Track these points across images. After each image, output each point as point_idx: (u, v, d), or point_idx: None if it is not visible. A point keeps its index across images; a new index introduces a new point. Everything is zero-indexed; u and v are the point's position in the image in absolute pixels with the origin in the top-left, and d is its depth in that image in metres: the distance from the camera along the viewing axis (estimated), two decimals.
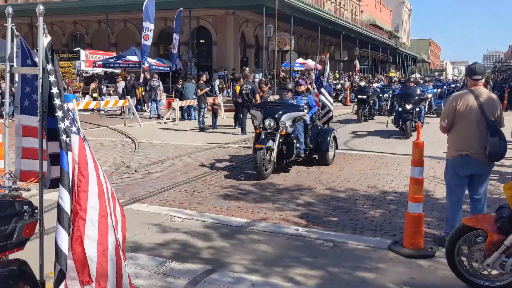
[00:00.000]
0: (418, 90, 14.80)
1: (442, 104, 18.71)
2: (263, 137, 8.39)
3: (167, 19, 33.30)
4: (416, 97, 13.88)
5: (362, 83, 22.53)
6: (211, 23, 35.57)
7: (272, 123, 8.35)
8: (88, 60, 25.96)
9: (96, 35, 39.52)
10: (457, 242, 4.10)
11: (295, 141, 8.56)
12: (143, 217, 5.97)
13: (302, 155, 8.96)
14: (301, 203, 6.79)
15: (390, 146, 11.98)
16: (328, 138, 9.39)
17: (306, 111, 9.02)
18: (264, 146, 8.02)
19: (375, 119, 19.05)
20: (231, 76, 29.38)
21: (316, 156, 9.54)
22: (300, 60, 38.63)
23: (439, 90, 25.62)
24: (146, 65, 22.93)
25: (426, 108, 17.07)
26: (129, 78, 21.37)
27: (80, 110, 16.52)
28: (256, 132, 8.79)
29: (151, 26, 22.47)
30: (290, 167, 9.11)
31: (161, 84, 20.24)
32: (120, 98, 19.02)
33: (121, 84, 21.13)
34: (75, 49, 28.24)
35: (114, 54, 27.68)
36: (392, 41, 65.90)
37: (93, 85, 22.26)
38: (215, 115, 15.72)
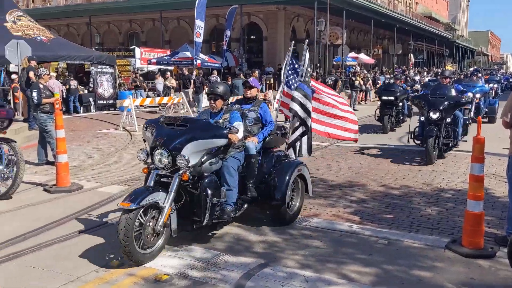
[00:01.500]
0: (453, 90, 9.90)
1: (497, 105, 16.32)
2: (151, 182, 4.64)
3: (219, 16, 33.68)
4: (448, 102, 9.22)
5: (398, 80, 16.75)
6: (262, 18, 35.65)
7: (164, 159, 4.57)
8: (143, 57, 26.69)
9: (150, 33, 40.57)
10: None
11: (209, 192, 4.63)
12: None
13: (232, 214, 4.93)
14: (354, 199, 6.70)
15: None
16: (287, 178, 5.42)
17: (240, 134, 4.94)
18: (132, 207, 4.17)
19: (403, 126, 14.64)
20: (277, 72, 29.32)
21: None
22: (352, 54, 38.00)
23: (495, 85, 22.51)
24: (199, 61, 23.28)
25: (471, 113, 12.35)
26: (197, 74, 21.20)
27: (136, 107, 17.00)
28: (143, 172, 4.94)
29: (202, 24, 22.79)
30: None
31: (219, 79, 20.57)
32: (158, 96, 19.27)
33: (160, 81, 21.20)
34: (130, 47, 29.09)
35: (168, 52, 28.30)
36: (448, 34, 63.64)
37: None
38: None
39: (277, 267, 4.36)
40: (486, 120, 15.12)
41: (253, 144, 5.28)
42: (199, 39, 22.52)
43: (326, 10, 27.41)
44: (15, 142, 6.91)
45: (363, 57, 40.35)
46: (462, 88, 11.28)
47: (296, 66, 6.87)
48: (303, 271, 4.27)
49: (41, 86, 8.83)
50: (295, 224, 5.59)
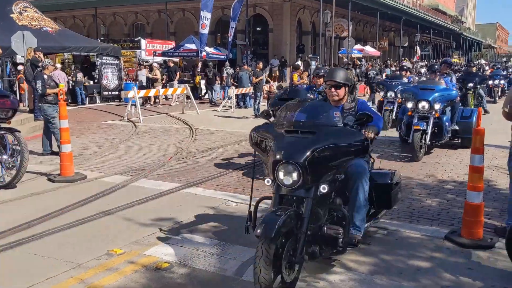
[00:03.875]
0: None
1: (474, 119, 9.18)
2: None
3: (224, 8, 33.62)
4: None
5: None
6: (268, 10, 35.54)
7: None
8: (148, 49, 26.72)
9: (156, 25, 40.57)
10: None
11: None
12: (199, 200, 6.14)
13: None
14: None
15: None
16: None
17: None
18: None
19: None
20: (279, 63, 29.31)
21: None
22: (358, 46, 37.86)
23: (501, 82, 20.24)
24: (204, 53, 23.28)
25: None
26: (209, 66, 21.01)
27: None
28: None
29: (209, 15, 22.75)
30: None
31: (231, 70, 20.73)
32: (140, 88, 18.61)
33: (142, 72, 20.52)
34: (136, 39, 29.12)
35: (173, 43, 28.30)
36: (455, 26, 63.20)
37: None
38: None
39: None
40: (458, 140, 9.84)
41: None
42: (204, 30, 22.51)
43: (331, 1, 27.31)
44: (19, 131, 6.97)
45: (369, 49, 40.20)
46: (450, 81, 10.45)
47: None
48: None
49: (45, 76, 8.89)
50: None
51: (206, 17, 22.60)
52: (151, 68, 20.34)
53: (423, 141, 8.55)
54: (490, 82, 19.81)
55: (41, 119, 10.11)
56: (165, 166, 8.23)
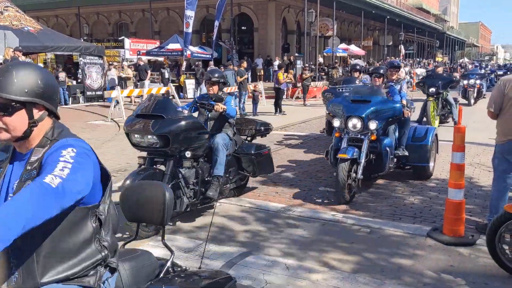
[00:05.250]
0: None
1: (430, 141, 7.04)
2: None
3: (209, 7, 33.48)
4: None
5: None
6: (253, 9, 35.49)
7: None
8: (132, 48, 26.51)
9: (140, 24, 40.23)
10: (499, 229, 3.98)
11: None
12: None
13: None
14: None
15: None
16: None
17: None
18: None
19: None
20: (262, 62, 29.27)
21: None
22: (343, 45, 38.01)
23: (477, 82, 17.45)
24: (188, 52, 23.17)
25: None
26: (198, 65, 20.68)
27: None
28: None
29: (192, 13, 22.64)
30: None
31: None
32: (112, 88, 18.44)
33: (112, 72, 20.28)
34: (119, 38, 28.87)
35: (157, 42, 28.12)
36: (439, 25, 63.84)
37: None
38: (255, 101, 15.76)
39: (260, 255, 4.39)
40: (410, 169, 7.43)
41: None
42: (188, 29, 22.39)
43: (316, 1, 27.34)
44: None
45: (353, 48, 40.38)
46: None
47: None
48: (285, 259, 4.31)
49: None
50: (279, 213, 5.62)
51: (190, 16, 22.49)
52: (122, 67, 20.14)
53: (354, 175, 5.98)
54: (465, 82, 17.52)
55: None
56: None
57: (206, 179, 5.44)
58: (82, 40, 26.24)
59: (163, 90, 17.45)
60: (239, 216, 5.50)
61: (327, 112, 8.70)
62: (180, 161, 5.11)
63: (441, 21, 70.05)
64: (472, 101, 17.32)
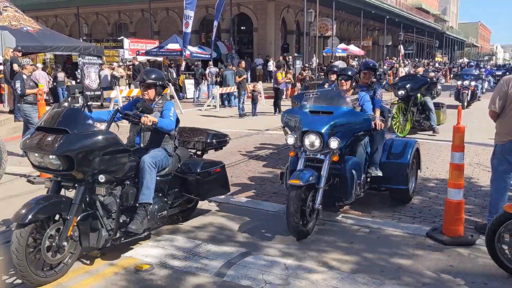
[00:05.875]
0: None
1: (409, 158, 5.53)
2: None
3: (208, 7, 33.47)
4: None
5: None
6: (252, 9, 35.48)
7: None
8: (131, 48, 26.48)
9: (139, 24, 40.22)
10: (498, 229, 3.97)
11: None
12: None
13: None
14: None
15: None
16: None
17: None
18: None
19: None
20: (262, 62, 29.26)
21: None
22: (342, 45, 38.01)
23: (472, 83, 16.15)
24: (187, 52, 23.16)
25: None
26: (198, 65, 20.59)
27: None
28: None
29: (192, 13, 22.62)
30: None
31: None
32: (104, 89, 18.38)
33: (105, 72, 19.86)
34: (119, 38, 28.83)
35: (156, 42, 28.10)
36: (438, 25, 63.87)
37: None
38: (254, 102, 15.75)
39: (259, 255, 4.38)
40: (385, 190, 6.31)
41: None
42: (187, 29, 22.36)
43: (315, 1, 27.33)
44: None
45: (353, 48, 40.38)
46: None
47: None
48: (284, 259, 4.30)
49: (24, 76, 8.75)
50: (279, 213, 5.61)
51: (189, 16, 22.47)
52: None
53: (309, 206, 4.82)
54: (459, 83, 16.40)
55: (22, 120, 9.94)
56: None
57: (134, 206, 4.42)
58: (81, 40, 26.22)
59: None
60: (238, 217, 5.48)
61: (281, 126, 6.69)
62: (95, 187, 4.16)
63: (440, 21, 70.10)
64: (465, 103, 15.90)
